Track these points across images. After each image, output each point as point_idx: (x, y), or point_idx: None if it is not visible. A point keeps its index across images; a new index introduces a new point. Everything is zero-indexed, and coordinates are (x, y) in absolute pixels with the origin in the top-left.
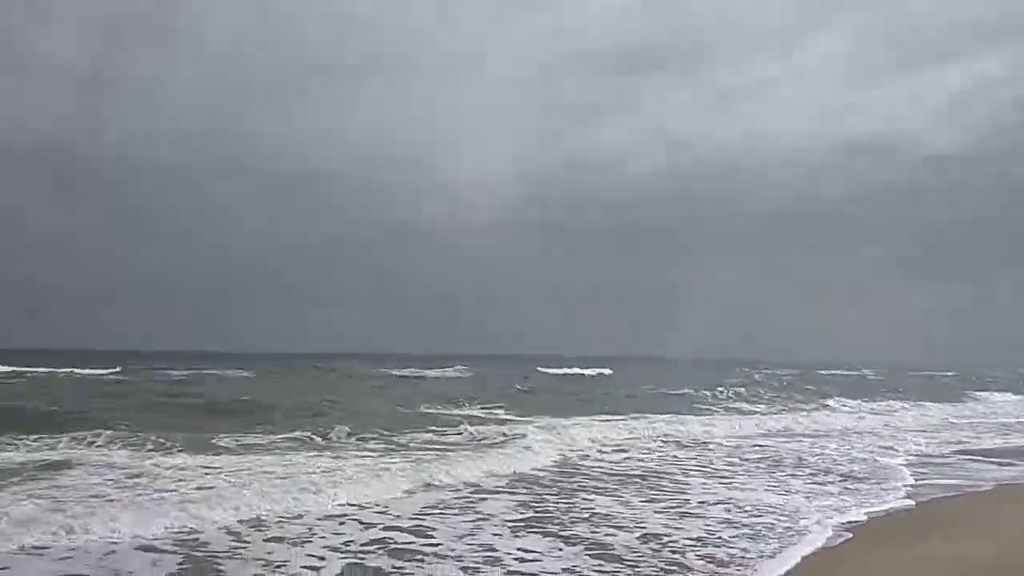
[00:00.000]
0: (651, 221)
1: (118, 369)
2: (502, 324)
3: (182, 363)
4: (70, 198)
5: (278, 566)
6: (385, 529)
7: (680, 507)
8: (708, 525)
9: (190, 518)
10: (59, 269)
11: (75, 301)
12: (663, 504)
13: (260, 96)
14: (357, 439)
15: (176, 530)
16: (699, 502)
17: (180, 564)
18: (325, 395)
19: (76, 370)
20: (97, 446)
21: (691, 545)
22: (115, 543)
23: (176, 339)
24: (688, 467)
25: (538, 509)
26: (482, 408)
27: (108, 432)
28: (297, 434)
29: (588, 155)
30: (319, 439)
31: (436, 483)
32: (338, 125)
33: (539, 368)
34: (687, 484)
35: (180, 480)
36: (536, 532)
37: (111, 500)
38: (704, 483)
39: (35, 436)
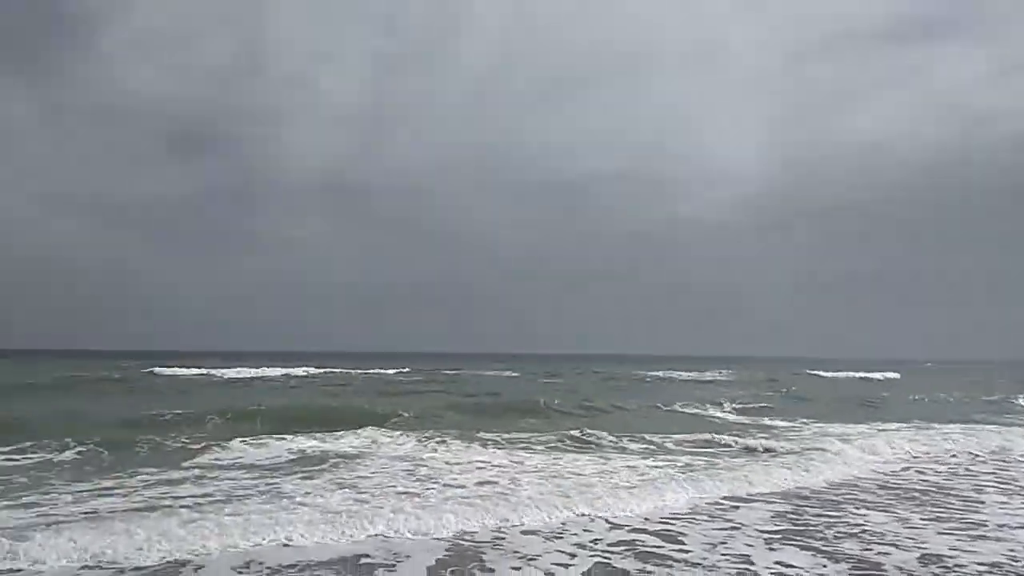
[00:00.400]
0: (928, 206)
1: (407, 369)
2: (763, 323)
3: (454, 363)
4: (345, 219)
5: (531, 559)
6: (633, 531)
7: (972, 528)
8: (1012, 551)
9: (469, 511)
10: (344, 282)
11: (360, 309)
12: (950, 523)
13: (517, 108)
14: (614, 437)
15: (455, 520)
16: (998, 524)
17: (447, 551)
18: (586, 395)
19: (370, 371)
20: (385, 430)
21: (985, 572)
22: (397, 531)
23: (446, 341)
24: (983, 483)
25: (797, 521)
26: (746, 413)
27: (391, 425)
28: (560, 433)
29: (854, 137)
30: (581, 437)
31: (701, 492)
32: (593, 128)
33: (809, 371)
34: (981, 502)
35: (460, 473)
36: (794, 545)
37: (404, 493)
38: (1004, 502)
39: (337, 429)
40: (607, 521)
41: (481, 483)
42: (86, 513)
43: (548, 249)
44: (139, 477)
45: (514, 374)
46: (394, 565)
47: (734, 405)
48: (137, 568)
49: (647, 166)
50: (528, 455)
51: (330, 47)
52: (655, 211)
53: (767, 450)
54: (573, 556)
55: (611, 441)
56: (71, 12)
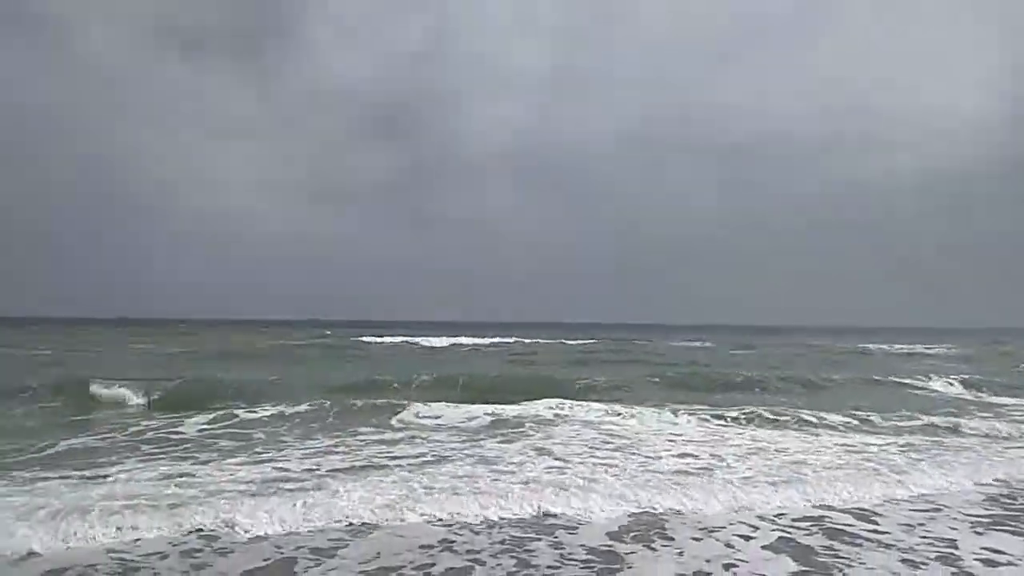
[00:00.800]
0: None
1: (595, 339)
2: (1001, 289)
3: (643, 333)
4: (530, 190)
5: (712, 530)
6: (822, 507)
7: None
8: None
9: (667, 484)
10: (529, 253)
11: (546, 280)
12: None
13: (699, 69)
14: (819, 412)
15: (651, 494)
16: None
17: (630, 516)
18: (787, 367)
19: (559, 340)
20: (578, 399)
21: None
22: (593, 500)
23: (633, 312)
24: None
25: (1011, 506)
26: (972, 388)
27: (583, 394)
28: (759, 406)
29: None
30: (782, 411)
31: (909, 472)
32: (785, 82)
33: None
34: None
35: (656, 444)
36: (1006, 531)
37: (601, 464)
38: None
39: (530, 396)
40: (796, 493)
41: (680, 455)
42: (310, 469)
43: (740, 213)
44: (359, 437)
45: (707, 344)
46: (576, 527)
47: (958, 379)
48: (349, 525)
49: (851, 119)
50: (725, 428)
51: (514, 23)
52: (864, 169)
53: (989, 429)
54: (755, 529)
55: (815, 416)
56: (280, 6)
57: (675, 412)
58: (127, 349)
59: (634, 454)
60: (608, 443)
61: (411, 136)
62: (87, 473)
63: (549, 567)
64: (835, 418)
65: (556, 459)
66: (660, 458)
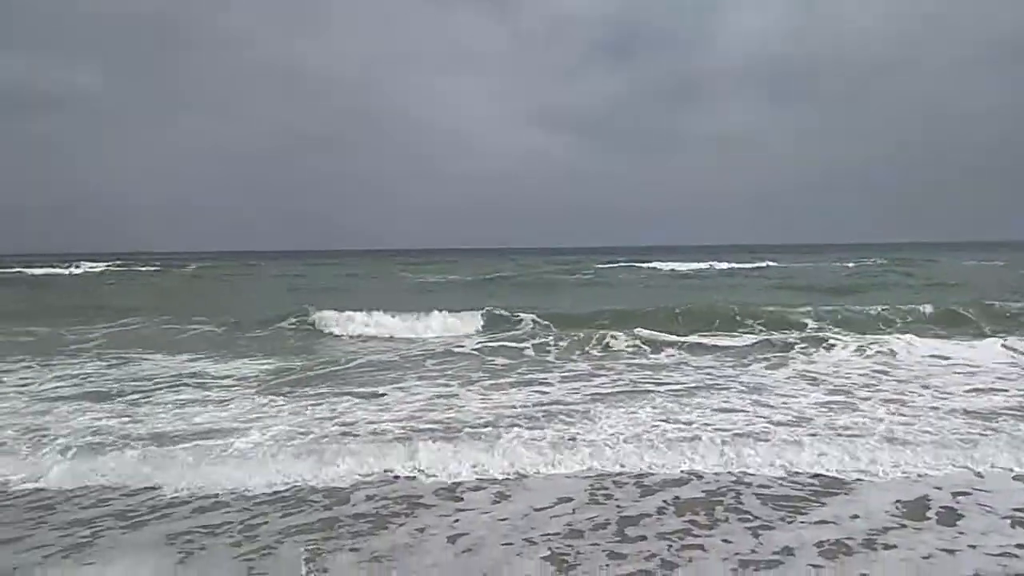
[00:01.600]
0: None
1: (865, 262)
2: None
3: (919, 252)
4: (782, 104)
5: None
6: None
7: None
8: None
9: (976, 430)
10: (785, 170)
11: (805, 198)
12: None
13: None
14: None
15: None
16: None
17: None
18: None
19: (832, 263)
20: (839, 327)
21: None
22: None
23: (905, 229)
24: None
25: None
26: None
27: (846, 319)
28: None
29: None
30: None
31: None
32: None
33: None
34: None
35: (948, 374)
36: None
37: (889, 400)
38: None
39: (790, 322)
40: None
41: (979, 391)
42: (572, 392)
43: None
44: (621, 360)
45: (998, 263)
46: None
47: None
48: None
49: None
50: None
51: None
52: None
53: None
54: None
55: None
56: None
57: (967, 338)
58: (416, 280)
59: (925, 388)
60: (886, 375)
61: (651, 54)
62: (374, 390)
63: (762, 485)
64: None
65: (830, 391)
66: (957, 395)
